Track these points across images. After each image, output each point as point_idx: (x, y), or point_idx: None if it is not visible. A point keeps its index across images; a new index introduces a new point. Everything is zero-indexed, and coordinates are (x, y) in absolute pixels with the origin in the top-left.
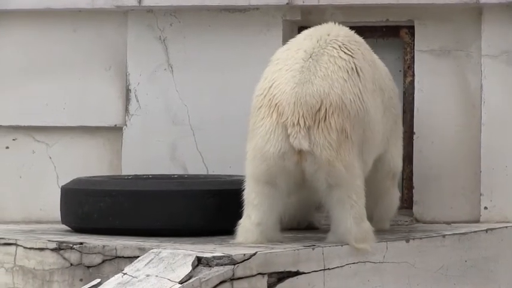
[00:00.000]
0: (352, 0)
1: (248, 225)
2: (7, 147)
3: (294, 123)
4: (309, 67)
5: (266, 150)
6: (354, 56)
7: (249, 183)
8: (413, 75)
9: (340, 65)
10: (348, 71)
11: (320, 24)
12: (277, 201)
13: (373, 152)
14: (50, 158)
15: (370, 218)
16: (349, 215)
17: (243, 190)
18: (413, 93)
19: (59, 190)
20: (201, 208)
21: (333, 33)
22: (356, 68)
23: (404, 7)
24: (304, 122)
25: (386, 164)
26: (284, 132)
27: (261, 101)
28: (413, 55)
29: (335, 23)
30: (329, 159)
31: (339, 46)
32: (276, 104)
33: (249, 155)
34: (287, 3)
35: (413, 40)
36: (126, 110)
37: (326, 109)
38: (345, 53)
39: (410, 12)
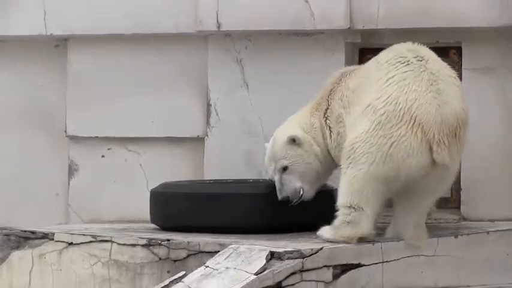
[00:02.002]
0: (406, 24)
1: (362, 218)
2: (103, 156)
3: (439, 141)
4: (440, 89)
5: (408, 162)
6: (455, 76)
7: (365, 179)
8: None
9: (456, 84)
10: (460, 90)
11: (380, 45)
12: (384, 200)
13: None
14: (141, 165)
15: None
16: (413, 216)
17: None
18: None
19: (148, 193)
20: (273, 208)
21: (428, 54)
22: (460, 86)
23: (452, 30)
24: (447, 140)
25: None
26: (427, 148)
27: (399, 117)
28: (461, 73)
29: (413, 43)
30: (455, 171)
31: (445, 67)
32: (420, 123)
33: (375, 156)
34: (349, 28)
35: (461, 59)
36: (207, 122)
37: (460, 127)
38: (452, 72)
39: (458, 34)
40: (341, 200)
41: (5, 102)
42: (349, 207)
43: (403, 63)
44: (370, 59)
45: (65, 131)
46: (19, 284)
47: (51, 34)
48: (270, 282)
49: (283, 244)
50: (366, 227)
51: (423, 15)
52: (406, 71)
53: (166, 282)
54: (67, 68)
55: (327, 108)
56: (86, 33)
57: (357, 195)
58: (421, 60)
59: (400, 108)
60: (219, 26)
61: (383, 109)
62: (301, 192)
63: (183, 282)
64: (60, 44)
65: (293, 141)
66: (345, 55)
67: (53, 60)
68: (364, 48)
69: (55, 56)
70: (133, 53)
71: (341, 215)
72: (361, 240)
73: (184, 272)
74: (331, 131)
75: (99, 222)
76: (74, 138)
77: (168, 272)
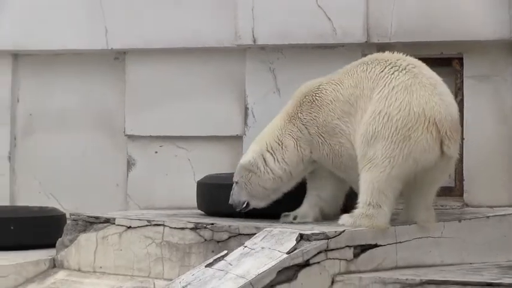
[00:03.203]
0: (415, 38)
1: (380, 214)
2: (156, 152)
3: (450, 137)
4: (442, 92)
5: (425, 158)
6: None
7: (388, 181)
8: (462, 95)
9: (446, 86)
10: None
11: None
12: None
13: None
14: (189, 159)
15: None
16: (423, 203)
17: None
18: (462, 108)
19: (195, 184)
20: (300, 197)
21: (416, 62)
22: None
23: (455, 43)
24: (455, 135)
25: None
26: (439, 143)
27: (414, 120)
28: (462, 80)
29: (402, 54)
30: (456, 161)
31: (432, 72)
32: (434, 123)
33: (397, 159)
34: (366, 41)
35: (462, 68)
36: (245, 123)
37: (457, 123)
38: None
39: (460, 46)
40: (362, 197)
41: (75, 107)
42: (369, 204)
43: (400, 71)
44: None
45: (124, 131)
46: (85, 261)
47: (111, 48)
48: (299, 260)
49: (310, 228)
50: (382, 221)
51: (430, 30)
52: (408, 78)
53: (211, 260)
54: (125, 77)
55: (312, 119)
56: (141, 47)
57: (376, 195)
58: (414, 67)
59: (415, 112)
60: (254, 40)
61: (398, 114)
62: (244, 205)
63: (225, 260)
64: (119, 57)
65: (246, 169)
66: None
67: (113, 70)
68: None
69: (115, 67)
70: (182, 64)
71: (360, 208)
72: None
73: (226, 251)
74: (322, 144)
75: (153, 209)
76: (131, 137)
77: (212, 251)
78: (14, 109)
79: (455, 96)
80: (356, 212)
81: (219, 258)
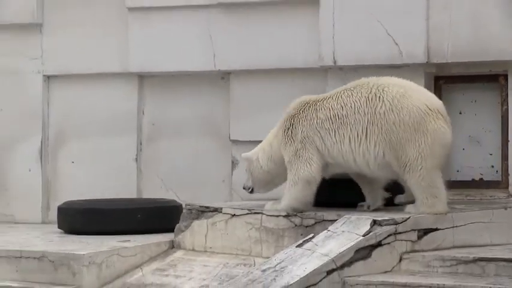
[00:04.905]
0: (468, 58)
1: (436, 202)
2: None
3: (448, 121)
4: (424, 90)
5: (447, 139)
6: None
7: (430, 174)
8: (507, 105)
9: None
10: None
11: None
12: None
13: None
14: None
15: None
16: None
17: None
18: (507, 116)
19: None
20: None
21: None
22: None
23: (501, 62)
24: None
25: None
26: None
27: (425, 114)
28: (507, 93)
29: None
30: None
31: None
32: (441, 113)
33: (427, 153)
34: (426, 62)
35: (507, 83)
36: None
37: None
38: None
39: (505, 65)
40: (417, 196)
41: (189, 118)
42: (426, 199)
43: (392, 86)
44: (442, 84)
45: (229, 137)
46: (198, 243)
47: (218, 70)
48: (373, 241)
49: (381, 215)
50: (441, 208)
51: (480, 51)
52: (399, 90)
53: (300, 241)
54: (230, 93)
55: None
56: (242, 68)
57: (427, 190)
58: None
59: (421, 110)
60: (335, 62)
61: (409, 117)
62: (250, 190)
63: (312, 241)
64: (225, 76)
65: (245, 162)
66: (424, 82)
67: (220, 88)
68: (438, 76)
69: (221, 85)
70: (274, 81)
71: (420, 199)
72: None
73: (312, 234)
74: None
75: (252, 200)
76: (235, 142)
77: (301, 234)
78: (139, 120)
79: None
80: (418, 203)
81: (307, 240)
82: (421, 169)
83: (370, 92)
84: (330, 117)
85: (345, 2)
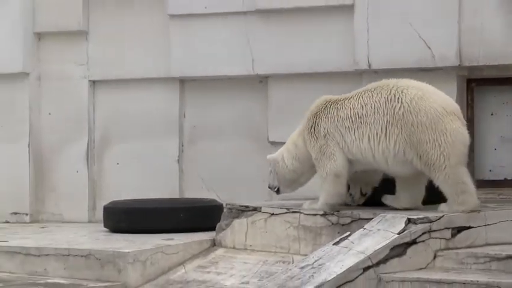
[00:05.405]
0: (498, 61)
1: (466, 198)
2: None
3: (464, 123)
4: (440, 93)
5: (466, 138)
6: None
7: (455, 172)
8: None
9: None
10: None
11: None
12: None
13: None
14: None
15: None
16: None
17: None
18: None
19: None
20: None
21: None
22: None
23: None
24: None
25: None
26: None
27: (443, 116)
28: None
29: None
30: None
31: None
32: (457, 114)
33: (448, 152)
34: (459, 65)
35: None
36: None
37: None
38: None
39: None
40: (447, 194)
41: (228, 120)
42: (455, 195)
43: (411, 88)
44: (474, 87)
45: (267, 138)
46: (238, 241)
47: (257, 74)
48: (407, 239)
49: (415, 213)
50: (472, 203)
51: (509, 54)
52: (418, 92)
53: (337, 239)
54: (268, 96)
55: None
56: (280, 72)
57: (455, 187)
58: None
59: (439, 112)
60: (369, 65)
61: (427, 118)
62: (276, 189)
63: (348, 239)
64: (263, 80)
65: (270, 162)
66: (456, 84)
67: (258, 91)
68: (469, 78)
69: (260, 89)
70: (310, 85)
71: (451, 197)
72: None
73: (349, 232)
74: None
75: (291, 200)
76: (273, 143)
77: (338, 232)
78: (181, 123)
79: None
80: (450, 201)
81: (343, 238)
82: (445, 168)
83: (389, 93)
84: (351, 116)
85: (379, 7)
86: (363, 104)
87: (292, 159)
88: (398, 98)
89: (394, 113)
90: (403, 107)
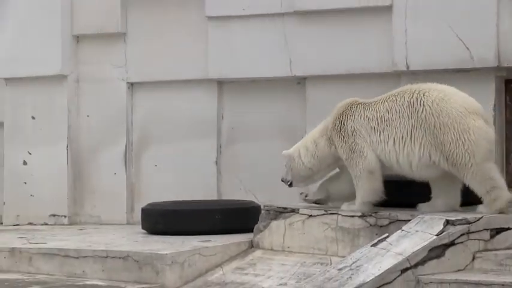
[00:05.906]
0: None
1: (498, 193)
2: None
3: (488, 122)
4: (460, 93)
5: (491, 135)
6: None
7: (481, 169)
8: None
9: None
10: None
11: None
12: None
13: None
14: None
15: None
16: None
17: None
18: None
19: None
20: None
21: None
22: None
23: None
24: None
25: None
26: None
27: (467, 114)
28: None
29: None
30: None
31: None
32: (480, 114)
33: (473, 149)
34: (497, 66)
35: None
36: None
37: None
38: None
39: None
40: (479, 192)
41: (266, 121)
42: (487, 193)
43: (432, 91)
44: None
45: None
46: (276, 242)
47: (294, 75)
48: (446, 241)
49: (454, 215)
50: (505, 197)
51: None
52: (439, 95)
53: (375, 241)
54: (306, 97)
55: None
56: (318, 74)
57: (484, 184)
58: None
59: (461, 112)
60: (408, 67)
61: (449, 119)
62: (289, 183)
63: (386, 241)
64: (301, 81)
65: (286, 158)
66: (495, 85)
67: (296, 92)
68: (508, 79)
69: (298, 90)
70: (348, 85)
71: (483, 196)
72: (505, 210)
73: (387, 234)
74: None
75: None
76: None
77: (376, 234)
78: (219, 124)
79: None
80: (485, 202)
81: (381, 239)
82: (471, 166)
83: (412, 97)
84: (377, 118)
85: (417, 8)
86: (388, 108)
87: (310, 157)
88: (420, 101)
89: (418, 116)
90: (425, 109)
